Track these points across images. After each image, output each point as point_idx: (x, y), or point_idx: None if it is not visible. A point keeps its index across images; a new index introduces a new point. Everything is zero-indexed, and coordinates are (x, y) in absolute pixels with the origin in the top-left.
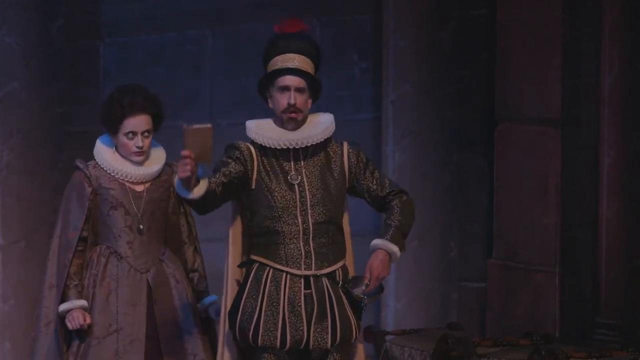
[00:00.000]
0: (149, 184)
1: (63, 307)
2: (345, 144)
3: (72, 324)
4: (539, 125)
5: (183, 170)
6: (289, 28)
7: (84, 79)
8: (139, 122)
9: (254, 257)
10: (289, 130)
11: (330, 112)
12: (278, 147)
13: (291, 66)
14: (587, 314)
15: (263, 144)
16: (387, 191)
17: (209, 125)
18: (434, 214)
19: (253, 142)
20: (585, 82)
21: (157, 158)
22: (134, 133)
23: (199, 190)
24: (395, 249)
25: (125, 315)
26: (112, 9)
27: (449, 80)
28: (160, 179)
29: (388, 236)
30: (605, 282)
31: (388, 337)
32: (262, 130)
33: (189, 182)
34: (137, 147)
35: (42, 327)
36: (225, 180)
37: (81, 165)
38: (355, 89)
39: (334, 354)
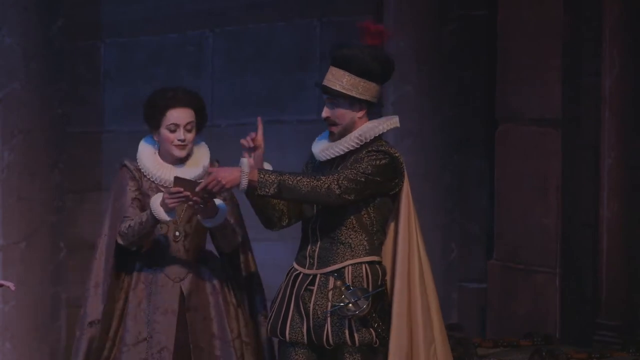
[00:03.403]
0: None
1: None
2: (369, 149)
3: None
4: (539, 126)
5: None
6: (365, 37)
7: (85, 80)
8: (181, 114)
9: None
10: (331, 141)
11: None
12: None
13: (323, 83)
14: (587, 315)
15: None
16: (338, 171)
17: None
18: (434, 215)
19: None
20: (585, 82)
21: (199, 161)
22: (177, 125)
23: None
24: (249, 176)
25: (155, 324)
26: (112, 9)
27: (449, 81)
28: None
29: (262, 171)
30: (605, 283)
31: None
32: (316, 143)
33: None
34: (179, 140)
35: (85, 326)
36: None
37: (128, 164)
38: None
39: (354, 355)
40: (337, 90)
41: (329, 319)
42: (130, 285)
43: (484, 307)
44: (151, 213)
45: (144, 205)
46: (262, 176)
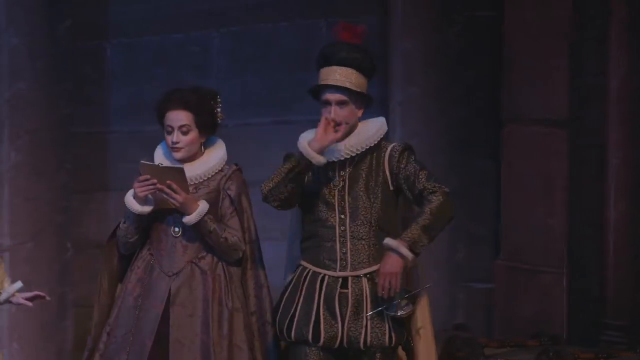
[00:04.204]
0: (195, 186)
1: None
2: (390, 146)
3: None
4: (545, 127)
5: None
6: (342, 36)
7: (91, 80)
8: (176, 116)
9: (301, 261)
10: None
11: None
12: (318, 164)
13: (330, 82)
14: (594, 315)
15: (308, 160)
16: (421, 186)
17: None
18: None
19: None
20: (592, 83)
21: (206, 161)
22: (172, 127)
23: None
24: (405, 251)
25: (140, 320)
26: (118, 10)
27: (455, 81)
28: (210, 181)
29: (404, 235)
30: (612, 283)
31: None
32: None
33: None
34: (172, 142)
35: None
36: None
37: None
38: None
39: (377, 356)
40: (353, 90)
41: (369, 321)
42: (128, 282)
43: (490, 307)
44: (127, 208)
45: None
46: (414, 245)
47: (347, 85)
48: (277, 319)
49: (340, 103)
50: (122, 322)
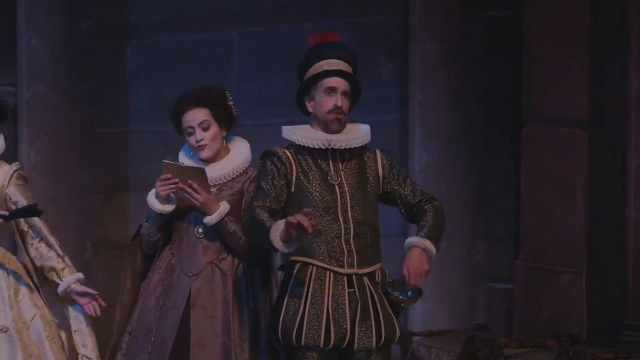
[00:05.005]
0: (218, 187)
1: None
2: (378, 152)
3: None
4: (565, 127)
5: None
6: (327, 38)
7: (111, 80)
8: (193, 115)
9: (293, 258)
10: (331, 132)
11: (356, 112)
12: (317, 147)
13: (338, 69)
14: (614, 315)
15: (303, 144)
16: (418, 198)
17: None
18: (461, 216)
19: (288, 147)
20: (612, 83)
21: (231, 161)
22: (192, 127)
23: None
24: (429, 244)
25: (161, 320)
26: (138, 10)
27: (475, 81)
28: (234, 183)
29: (422, 233)
30: (632, 284)
31: (415, 338)
32: (302, 132)
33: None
34: (196, 141)
35: None
36: (278, 208)
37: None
38: (381, 90)
39: (377, 355)
40: (353, 82)
41: (381, 319)
42: (150, 282)
43: (510, 307)
44: (149, 207)
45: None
46: (434, 242)
47: (351, 73)
48: (281, 321)
49: (344, 93)
50: (144, 322)
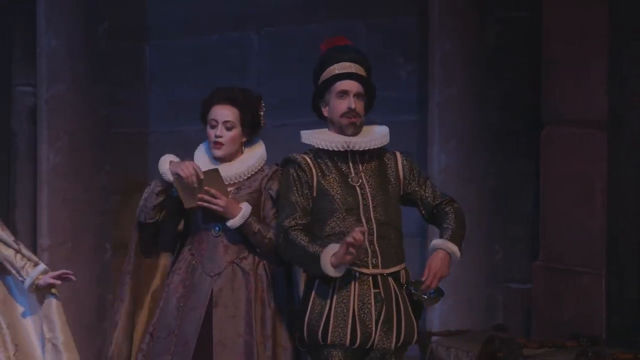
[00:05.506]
0: (236, 186)
1: None
2: (398, 154)
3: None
4: (584, 128)
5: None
6: (337, 42)
7: (130, 81)
8: (222, 111)
9: None
10: (348, 135)
11: (375, 113)
12: (337, 149)
13: (350, 71)
14: (633, 316)
15: (322, 147)
16: (439, 200)
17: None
18: (479, 216)
19: (307, 152)
20: (631, 83)
21: (245, 160)
22: (216, 121)
23: None
24: (455, 248)
25: (183, 320)
26: (157, 11)
27: (494, 82)
28: (251, 182)
29: (447, 236)
30: None
31: (434, 338)
32: (320, 135)
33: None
34: (215, 136)
35: None
36: (308, 222)
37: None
38: (400, 91)
39: (392, 356)
40: (367, 85)
41: (402, 320)
42: (171, 282)
43: (528, 308)
44: (159, 175)
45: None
46: (458, 245)
47: (365, 75)
48: (307, 320)
49: (358, 95)
50: (165, 323)
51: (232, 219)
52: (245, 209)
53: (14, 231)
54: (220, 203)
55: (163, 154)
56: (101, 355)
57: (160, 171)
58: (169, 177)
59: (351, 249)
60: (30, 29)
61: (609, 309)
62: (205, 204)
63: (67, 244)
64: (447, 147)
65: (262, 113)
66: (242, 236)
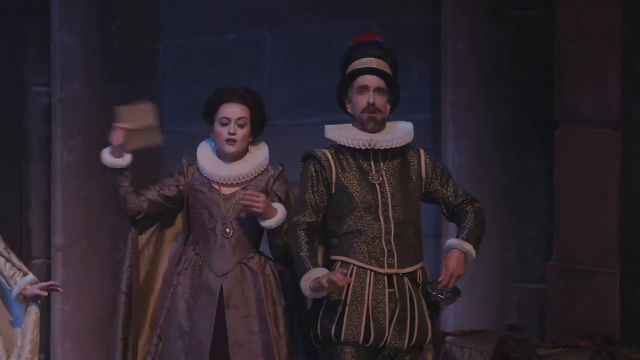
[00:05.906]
0: (241, 186)
1: None
2: (422, 151)
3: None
4: (598, 127)
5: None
6: (364, 38)
7: (143, 80)
8: (234, 109)
9: (334, 258)
10: (369, 131)
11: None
12: (358, 147)
13: (369, 66)
14: None
15: (344, 144)
16: (460, 199)
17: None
18: (493, 215)
19: (329, 147)
20: None
21: (253, 160)
22: (228, 119)
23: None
24: (470, 247)
25: (194, 321)
26: (170, 10)
27: (507, 81)
28: (257, 182)
29: (463, 236)
30: None
31: (448, 338)
32: (343, 131)
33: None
34: (229, 134)
35: None
36: (318, 220)
37: (184, 161)
38: (413, 90)
39: (404, 356)
40: (389, 79)
41: (416, 320)
42: (178, 283)
43: (542, 307)
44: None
45: (179, 196)
46: (474, 244)
47: (387, 71)
48: (321, 317)
49: (378, 90)
50: (175, 324)
51: (268, 219)
52: (280, 211)
53: (27, 230)
54: (261, 205)
55: (175, 153)
56: (114, 355)
57: (105, 163)
58: (110, 161)
59: (328, 284)
60: (44, 28)
61: (622, 309)
62: (247, 202)
63: (81, 242)
64: (460, 146)
65: (265, 112)
66: (250, 237)
